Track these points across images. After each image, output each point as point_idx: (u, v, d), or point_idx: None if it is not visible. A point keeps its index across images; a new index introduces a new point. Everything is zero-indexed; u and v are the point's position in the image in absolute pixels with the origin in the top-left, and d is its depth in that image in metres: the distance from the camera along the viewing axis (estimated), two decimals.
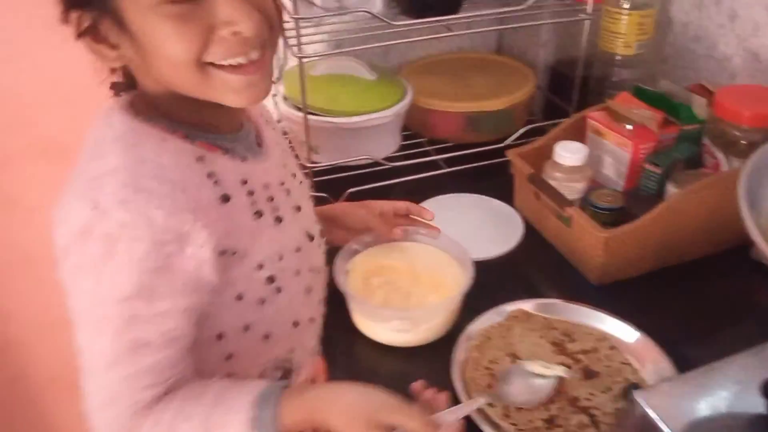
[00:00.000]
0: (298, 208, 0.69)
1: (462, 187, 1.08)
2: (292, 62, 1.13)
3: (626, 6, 1.04)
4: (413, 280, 0.84)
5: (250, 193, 0.62)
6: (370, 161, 1.10)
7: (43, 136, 1.23)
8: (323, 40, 1.04)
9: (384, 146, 1.13)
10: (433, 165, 1.13)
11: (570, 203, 0.88)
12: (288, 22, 0.90)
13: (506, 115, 1.15)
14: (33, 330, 1.45)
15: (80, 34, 0.54)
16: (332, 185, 1.07)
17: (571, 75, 1.15)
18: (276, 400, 0.57)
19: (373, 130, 1.09)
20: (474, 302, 0.82)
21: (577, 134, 1.01)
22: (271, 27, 0.57)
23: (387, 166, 1.10)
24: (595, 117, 0.97)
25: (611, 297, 0.85)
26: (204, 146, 0.59)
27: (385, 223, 0.85)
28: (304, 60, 0.95)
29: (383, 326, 0.80)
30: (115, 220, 0.51)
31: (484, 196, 1.06)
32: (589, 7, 1.05)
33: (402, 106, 1.10)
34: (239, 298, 0.60)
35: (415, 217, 0.87)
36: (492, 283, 0.88)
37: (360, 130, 1.08)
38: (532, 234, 0.98)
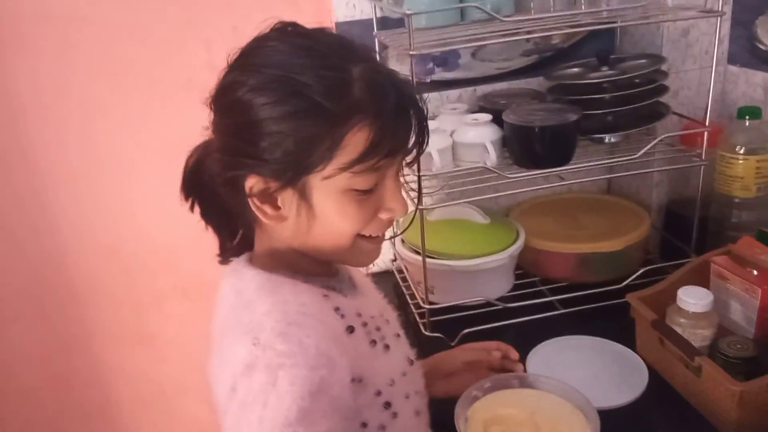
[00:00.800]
0: (398, 335, 0.75)
1: (578, 329, 1.07)
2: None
3: (741, 151, 1.05)
4: (534, 429, 0.82)
5: (364, 324, 0.68)
6: (483, 302, 1.13)
7: (187, 277, 1.36)
8: (440, 190, 1.11)
9: (497, 287, 1.16)
10: (548, 306, 1.14)
11: (698, 352, 0.85)
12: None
13: (621, 256, 1.15)
14: None
15: (253, 195, 0.62)
16: (447, 325, 1.10)
17: (687, 215, 1.15)
18: None
19: (488, 272, 1.12)
20: None
21: (699, 277, 0.99)
22: None
23: (500, 307, 1.12)
24: (719, 262, 0.96)
25: None
26: (319, 287, 0.67)
27: (478, 358, 0.91)
28: (424, 210, 1.02)
29: None
30: (275, 351, 0.57)
31: (603, 339, 1.04)
32: (703, 153, 1.06)
33: (515, 249, 1.13)
34: (364, 425, 0.64)
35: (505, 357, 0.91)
36: None
37: (475, 272, 1.11)
38: (657, 381, 0.94)
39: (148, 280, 1.35)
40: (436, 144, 1.07)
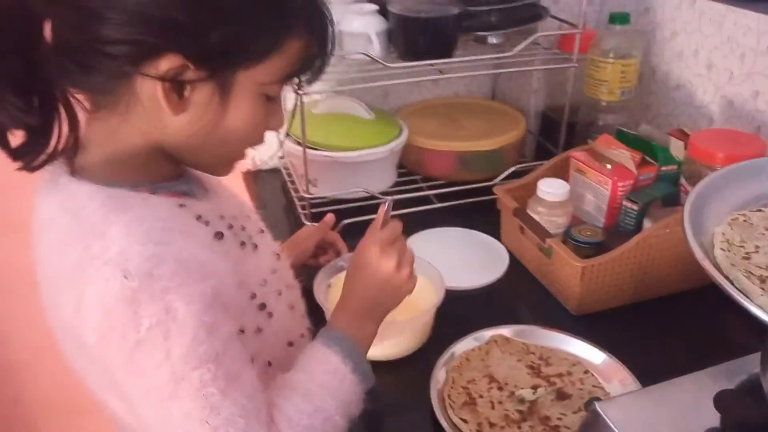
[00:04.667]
0: (262, 231, 0.72)
1: (452, 222, 1.13)
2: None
3: (610, 55, 1.11)
4: None
5: (230, 226, 0.64)
6: (365, 195, 1.15)
7: None
8: (324, 80, 1.10)
9: (379, 181, 1.19)
10: (426, 200, 1.19)
11: (550, 235, 0.92)
12: None
13: (496, 156, 1.21)
14: (32, 353, 1.48)
15: (167, 78, 0.53)
16: None
17: (560, 120, 1.21)
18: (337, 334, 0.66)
19: (369, 165, 1.15)
20: (456, 327, 0.85)
21: (562, 173, 1.06)
22: None
23: (381, 200, 1.15)
24: (577, 156, 1.03)
25: (588, 326, 0.89)
26: (169, 195, 0.60)
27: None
28: (305, 98, 1.02)
29: None
30: (154, 277, 0.51)
31: (472, 230, 1.10)
32: (575, 56, 1.11)
33: (397, 143, 1.16)
34: (241, 331, 0.60)
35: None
36: (475, 310, 0.93)
37: (357, 164, 1.13)
38: (516, 266, 1.02)
39: None
40: None
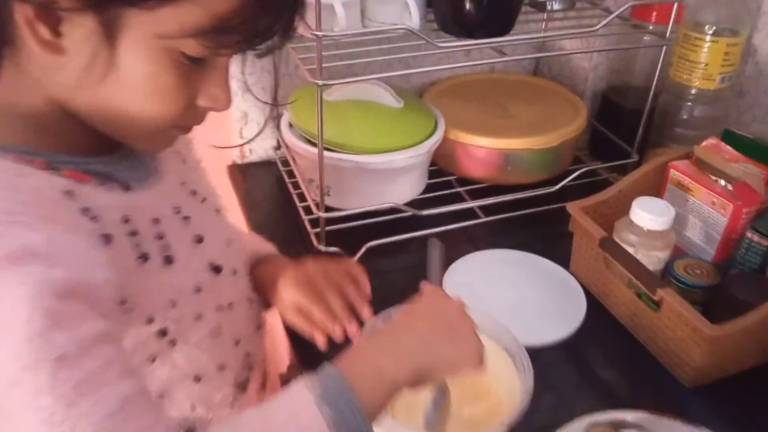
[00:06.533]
0: (199, 239, 0.58)
1: (501, 241, 0.89)
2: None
3: (710, 31, 0.86)
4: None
5: (133, 233, 0.51)
6: (388, 207, 0.90)
7: None
8: (343, 62, 0.84)
9: (408, 189, 0.94)
10: (467, 213, 0.94)
11: (661, 283, 0.69)
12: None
13: (553, 153, 0.97)
14: None
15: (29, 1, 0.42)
16: (345, 236, 0.88)
17: (627, 106, 0.98)
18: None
19: (399, 172, 0.90)
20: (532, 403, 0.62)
21: (651, 185, 0.82)
22: None
23: (410, 213, 0.91)
24: (680, 168, 0.79)
25: (709, 401, 0.68)
26: (73, 175, 0.49)
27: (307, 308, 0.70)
28: (323, 85, 0.75)
29: None
30: None
31: (529, 254, 0.86)
32: (668, 31, 0.86)
33: (434, 142, 0.91)
34: None
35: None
36: (551, 379, 0.70)
37: (383, 171, 0.88)
38: (597, 309, 0.79)
39: None
40: None
